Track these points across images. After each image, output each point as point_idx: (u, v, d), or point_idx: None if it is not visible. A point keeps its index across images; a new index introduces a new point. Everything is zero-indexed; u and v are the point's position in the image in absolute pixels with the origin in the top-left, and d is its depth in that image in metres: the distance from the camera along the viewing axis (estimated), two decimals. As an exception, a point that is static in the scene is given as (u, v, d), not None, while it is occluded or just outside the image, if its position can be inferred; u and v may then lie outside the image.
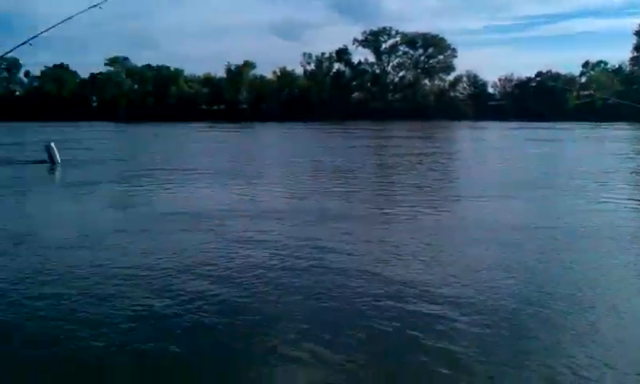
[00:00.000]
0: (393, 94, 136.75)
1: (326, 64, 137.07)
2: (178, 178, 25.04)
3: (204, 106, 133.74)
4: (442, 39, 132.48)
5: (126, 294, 9.19)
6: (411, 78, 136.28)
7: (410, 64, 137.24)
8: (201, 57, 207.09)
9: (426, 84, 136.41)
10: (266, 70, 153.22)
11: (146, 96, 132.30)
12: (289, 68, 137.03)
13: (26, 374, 6.73)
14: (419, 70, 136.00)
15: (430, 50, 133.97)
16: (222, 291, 9.34)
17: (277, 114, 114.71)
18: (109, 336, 7.51)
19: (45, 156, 31.30)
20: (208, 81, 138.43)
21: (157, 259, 11.27)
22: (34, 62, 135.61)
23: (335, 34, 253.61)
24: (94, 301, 8.89)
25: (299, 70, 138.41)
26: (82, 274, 10.29)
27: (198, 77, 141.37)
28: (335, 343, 7.28)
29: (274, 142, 56.10)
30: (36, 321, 8.16)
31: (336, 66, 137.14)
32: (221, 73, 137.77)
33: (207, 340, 7.54)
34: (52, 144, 31.41)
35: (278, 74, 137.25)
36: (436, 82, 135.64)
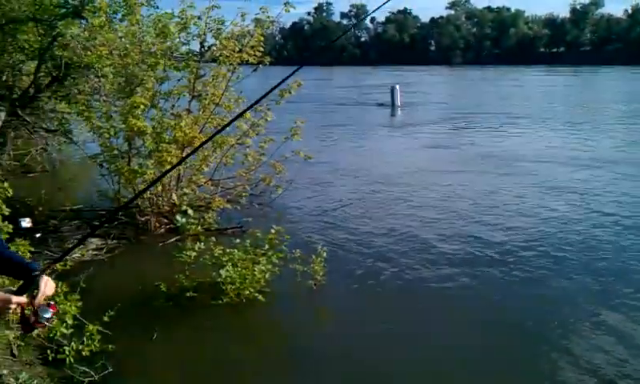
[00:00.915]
0: None
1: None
2: (499, 122, 24.98)
3: (542, 49, 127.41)
4: None
5: (434, 233, 9.84)
6: None
7: None
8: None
9: None
10: (615, 8, 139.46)
11: (483, 39, 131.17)
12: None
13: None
14: None
15: None
16: (527, 241, 9.35)
17: (624, 56, 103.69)
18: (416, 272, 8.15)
19: (387, 98, 33.08)
20: (549, 21, 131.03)
21: (468, 201, 11.92)
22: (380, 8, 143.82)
23: None
24: (405, 236, 9.76)
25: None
26: (396, 209, 11.47)
27: (539, 17, 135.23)
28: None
29: (612, 87, 50.84)
30: (350, 253, 9.06)
31: None
32: (564, 13, 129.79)
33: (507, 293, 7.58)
34: (397, 87, 32.68)
35: (630, 11, 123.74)
36: None
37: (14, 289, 2.53)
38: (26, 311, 2.48)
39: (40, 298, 2.48)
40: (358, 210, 11.41)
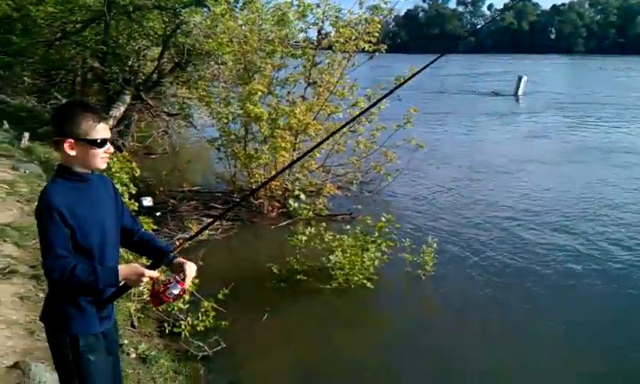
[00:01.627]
0: None
1: None
2: (616, 114, 24.15)
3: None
4: None
5: (539, 225, 9.73)
6: None
7: None
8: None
9: None
10: None
11: (607, 27, 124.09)
12: None
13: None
14: None
15: None
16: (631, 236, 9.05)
17: None
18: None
19: (502, 86, 32.22)
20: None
21: (574, 193, 11.74)
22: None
23: None
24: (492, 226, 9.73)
25: None
26: (505, 200, 11.27)
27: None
28: None
29: None
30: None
31: None
32: None
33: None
34: (524, 77, 32.03)
35: None
36: None
37: (148, 264, 2.71)
38: (155, 285, 2.65)
39: (188, 282, 2.70)
40: (468, 199, 11.32)
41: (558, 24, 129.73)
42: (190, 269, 2.73)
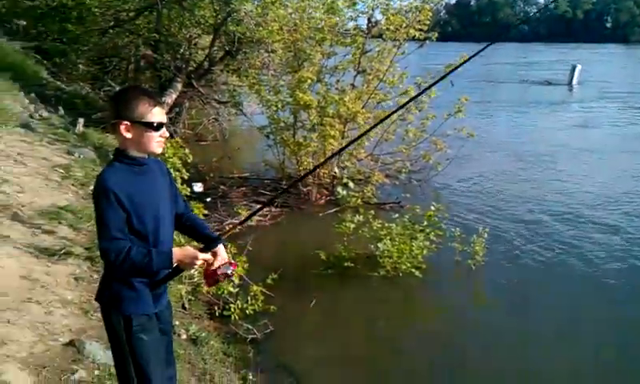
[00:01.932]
0: None
1: None
2: None
3: None
4: None
5: (589, 216, 9.63)
6: None
7: None
8: None
9: None
10: None
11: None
12: None
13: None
14: None
15: None
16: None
17: None
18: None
19: (556, 76, 31.58)
20: None
21: (613, 185, 11.49)
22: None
23: None
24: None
25: None
26: (554, 190, 11.13)
27: None
28: None
29: None
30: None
31: None
32: None
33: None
34: (578, 66, 31.30)
35: None
36: None
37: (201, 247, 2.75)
38: (208, 267, 2.71)
39: (220, 263, 2.72)
40: (517, 189, 11.16)
41: (614, 13, 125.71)
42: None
